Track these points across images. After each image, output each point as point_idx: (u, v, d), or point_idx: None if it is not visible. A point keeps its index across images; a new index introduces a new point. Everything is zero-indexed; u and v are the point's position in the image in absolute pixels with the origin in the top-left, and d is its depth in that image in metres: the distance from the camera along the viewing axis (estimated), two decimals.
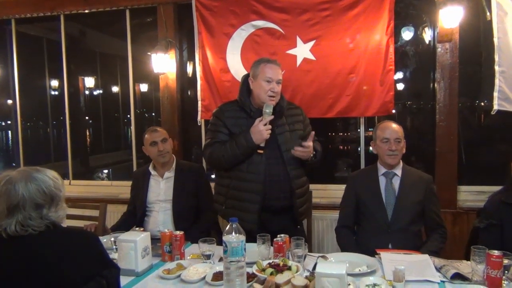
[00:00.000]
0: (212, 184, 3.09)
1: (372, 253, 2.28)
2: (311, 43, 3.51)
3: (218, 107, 2.85)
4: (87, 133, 4.93)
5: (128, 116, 4.43)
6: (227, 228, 1.83)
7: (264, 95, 2.62)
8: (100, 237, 2.68)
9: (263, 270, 1.95)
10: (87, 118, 4.86)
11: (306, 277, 1.89)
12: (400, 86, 3.79)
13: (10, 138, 5.07)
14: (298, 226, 2.87)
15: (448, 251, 2.70)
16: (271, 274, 1.88)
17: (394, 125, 2.68)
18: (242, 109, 2.70)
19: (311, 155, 2.66)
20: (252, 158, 2.60)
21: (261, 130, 2.52)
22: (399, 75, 3.74)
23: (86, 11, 4.18)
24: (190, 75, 4.16)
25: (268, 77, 2.61)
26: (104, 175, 4.89)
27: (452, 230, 3.31)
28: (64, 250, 1.58)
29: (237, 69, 3.68)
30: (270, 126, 2.55)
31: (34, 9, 4.26)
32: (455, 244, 3.09)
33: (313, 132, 2.67)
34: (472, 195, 3.51)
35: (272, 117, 2.58)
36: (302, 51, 3.53)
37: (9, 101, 4.72)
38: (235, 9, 3.65)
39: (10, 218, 1.56)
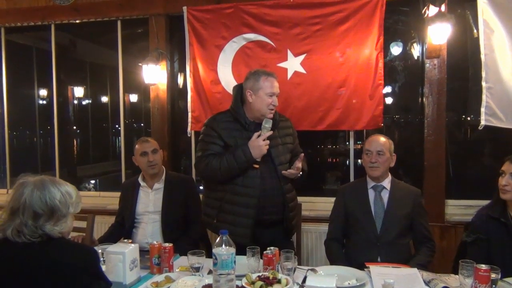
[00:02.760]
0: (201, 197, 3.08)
1: (361, 266, 2.28)
2: (302, 57, 3.54)
3: (211, 118, 2.81)
4: (75, 143, 4.89)
5: (117, 126, 4.41)
6: (217, 240, 1.82)
7: (265, 109, 2.61)
8: None
9: (253, 283, 1.93)
10: (75, 128, 4.82)
11: None
12: (389, 100, 3.83)
13: None
14: (292, 239, 2.92)
15: (436, 265, 2.72)
16: (261, 287, 1.87)
17: (381, 138, 2.69)
18: (236, 120, 2.67)
19: (299, 174, 2.71)
20: (247, 172, 2.59)
21: (260, 145, 2.52)
22: (388, 89, 3.79)
23: (78, 21, 4.18)
24: (181, 87, 4.17)
25: (270, 92, 2.62)
26: (91, 185, 4.84)
27: (440, 243, 3.32)
28: (59, 260, 1.57)
29: (228, 81, 3.70)
30: (268, 141, 2.56)
31: (25, 18, 4.25)
32: (443, 258, 3.11)
33: (302, 154, 2.70)
34: (459, 209, 3.54)
35: (271, 132, 2.58)
36: (293, 64, 3.56)
37: None
38: (226, 22, 3.68)
39: (10, 221, 1.57)
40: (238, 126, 2.67)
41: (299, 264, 2.47)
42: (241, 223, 2.59)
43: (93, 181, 4.89)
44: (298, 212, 3.07)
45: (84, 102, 4.78)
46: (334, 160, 4.12)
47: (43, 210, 1.58)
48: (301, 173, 2.71)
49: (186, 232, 3.00)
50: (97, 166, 4.95)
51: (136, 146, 3.05)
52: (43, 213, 1.58)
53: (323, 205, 3.64)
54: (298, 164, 2.65)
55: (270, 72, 2.71)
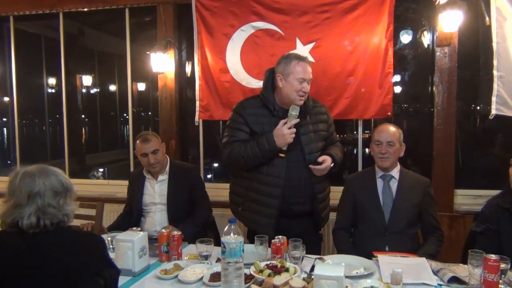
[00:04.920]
0: (210, 185, 3.09)
1: (369, 255, 2.29)
2: (311, 45, 3.51)
3: (239, 103, 2.70)
4: (84, 132, 4.92)
5: (125, 115, 4.42)
6: (225, 229, 1.83)
7: (294, 95, 2.48)
8: None
9: (261, 271, 1.94)
10: (83, 116, 4.84)
11: (304, 279, 1.89)
12: (399, 89, 3.80)
13: (5, 135, 5.05)
14: (320, 232, 2.81)
15: (445, 255, 2.71)
16: (269, 275, 1.87)
17: (391, 128, 2.66)
18: (264, 106, 2.56)
19: (331, 165, 2.57)
20: (273, 161, 2.49)
21: (285, 134, 2.40)
22: (398, 78, 3.75)
23: (86, 9, 4.17)
24: (189, 75, 4.15)
25: (301, 77, 2.47)
26: (100, 174, 4.87)
27: (448, 233, 3.31)
28: (74, 249, 1.62)
29: (237, 69, 3.68)
30: (294, 130, 2.44)
31: (33, 6, 4.25)
32: (452, 248, 3.10)
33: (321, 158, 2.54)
34: (469, 199, 3.52)
35: (298, 120, 2.45)
36: (302, 53, 3.41)
37: (6, 99, 4.70)
38: (235, 10, 3.65)
39: (29, 205, 1.58)
40: (266, 112, 2.56)
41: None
42: (265, 213, 2.53)
43: (101, 170, 4.92)
44: (329, 203, 2.84)
45: (92, 91, 4.79)
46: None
47: (61, 189, 1.65)
48: (332, 164, 2.58)
49: (189, 217, 2.97)
50: (106, 155, 4.98)
51: (137, 142, 2.96)
52: (62, 191, 1.65)
53: (331, 194, 3.62)
54: (324, 162, 2.52)
55: (303, 57, 2.58)
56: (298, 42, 3.52)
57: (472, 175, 3.63)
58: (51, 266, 1.55)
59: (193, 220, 2.91)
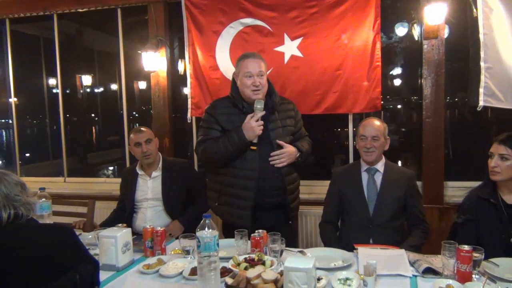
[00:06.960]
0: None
1: (353, 248, 2.31)
2: (299, 40, 3.53)
3: (210, 104, 2.85)
4: (86, 131, 4.98)
5: (134, 113, 4.49)
6: (200, 223, 1.86)
7: (248, 91, 2.61)
8: (87, 233, 2.75)
9: (239, 265, 1.98)
10: (86, 115, 4.90)
11: (281, 272, 1.92)
12: (388, 83, 3.79)
13: (11, 136, 5.12)
14: (290, 222, 2.90)
15: (434, 246, 2.69)
16: (245, 268, 1.90)
17: (376, 123, 2.68)
18: (234, 105, 2.68)
19: (297, 156, 2.72)
20: (246, 155, 2.60)
21: (253, 126, 2.52)
22: (387, 71, 3.74)
23: (78, 10, 4.22)
24: (181, 73, 4.19)
25: (247, 72, 2.60)
26: (110, 171, 4.94)
27: (438, 225, 3.33)
28: (37, 243, 1.60)
29: (226, 66, 3.71)
30: (262, 122, 2.56)
31: (27, 8, 4.32)
32: (442, 239, 3.07)
33: (282, 142, 2.66)
34: (459, 191, 3.49)
35: (264, 112, 2.57)
36: (290, 48, 3.55)
37: (10, 100, 4.78)
38: (223, 7, 3.68)
39: None
40: (236, 110, 2.68)
41: (297, 246, 2.51)
42: (240, 206, 2.62)
43: (111, 168, 4.99)
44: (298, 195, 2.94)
45: (93, 90, 4.83)
46: (334, 143, 4.09)
47: (19, 182, 1.70)
48: (298, 154, 2.72)
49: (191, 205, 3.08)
50: (109, 153, 5.03)
51: (131, 135, 3.09)
52: (21, 184, 1.70)
53: (321, 188, 3.62)
54: (282, 150, 2.65)
55: (251, 53, 2.73)
56: (286, 38, 3.55)
57: (462, 167, 3.62)
58: (13, 262, 1.51)
59: (195, 208, 3.02)
